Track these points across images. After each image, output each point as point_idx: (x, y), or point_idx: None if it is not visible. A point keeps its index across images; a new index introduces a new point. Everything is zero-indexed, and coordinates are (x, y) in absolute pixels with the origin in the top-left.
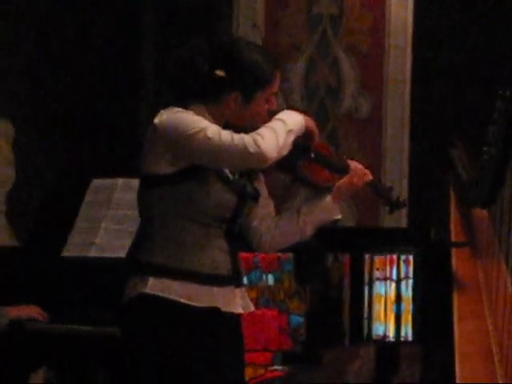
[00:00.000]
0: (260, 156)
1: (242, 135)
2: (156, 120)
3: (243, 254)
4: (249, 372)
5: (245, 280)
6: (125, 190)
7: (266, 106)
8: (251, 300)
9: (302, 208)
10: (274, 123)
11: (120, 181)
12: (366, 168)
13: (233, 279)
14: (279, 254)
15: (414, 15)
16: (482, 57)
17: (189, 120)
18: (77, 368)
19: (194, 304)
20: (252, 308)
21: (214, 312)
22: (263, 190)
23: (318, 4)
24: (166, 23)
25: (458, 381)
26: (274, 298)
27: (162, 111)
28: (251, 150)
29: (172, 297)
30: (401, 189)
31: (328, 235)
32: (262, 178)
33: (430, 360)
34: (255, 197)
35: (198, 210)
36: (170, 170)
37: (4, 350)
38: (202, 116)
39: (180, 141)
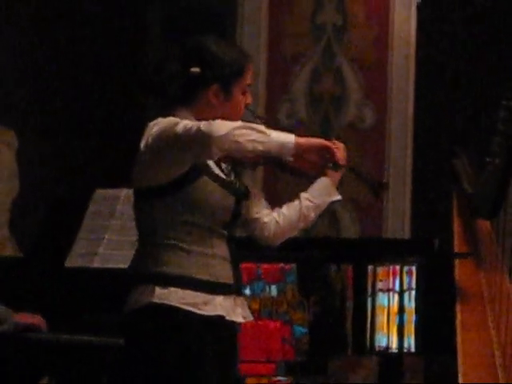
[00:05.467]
0: (207, 134)
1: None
2: (145, 133)
3: (246, 265)
4: (252, 382)
5: (248, 291)
6: (128, 201)
7: (244, 99)
8: (254, 311)
9: (303, 194)
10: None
11: (123, 191)
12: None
13: (234, 288)
14: (282, 265)
15: (418, 26)
16: (486, 68)
17: (165, 123)
18: (79, 378)
19: (199, 312)
20: (251, 318)
21: (218, 321)
22: (251, 185)
23: (322, 14)
24: (170, 33)
25: None
26: (277, 309)
27: (150, 124)
28: (202, 129)
29: (178, 305)
30: (404, 199)
31: (331, 246)
32: (249, 173)
33: (433, 371)
34: (247, 195)
35: (199, 215)
36: (164, 180)
37: (6, 359)
38: (187, 119)
39: (160, 145)
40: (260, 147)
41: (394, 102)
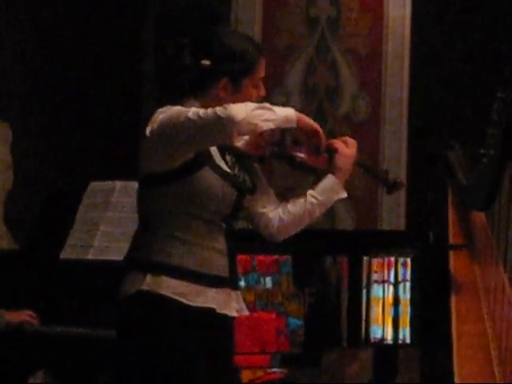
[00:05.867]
0: (227, 119)
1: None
2: (151, 120)
3: (241, 257)
4: (247, 374)
5: (242, 283)
6: (122, 193)
7: (256, 92)
8: (249, 303)
9: (309, 190)
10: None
11: (118, 183)
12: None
13: (229, 282)
14: (277, 257)
15: (412, 17)
16: (480, 59)
17: (174, 110)
18: (75, 371)
19: (189, 303)
20: (246, 312)
21: (209, 313)
22: (261, 179)
23: (316, 6)
24: (164, 24)
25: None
26: (272, 300)
27: (158, 110)
28: (220, 114)
29: (168, 294)
30: (399, 191)
31: (326, 238)
32: (257, 168)
33: (429, 363)
34: (252, 190)
35: (198, 206)
36: (168, 167)
37: (2, 353)
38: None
39: (167, 131)
40: (271, 125)
41: (388, 94)
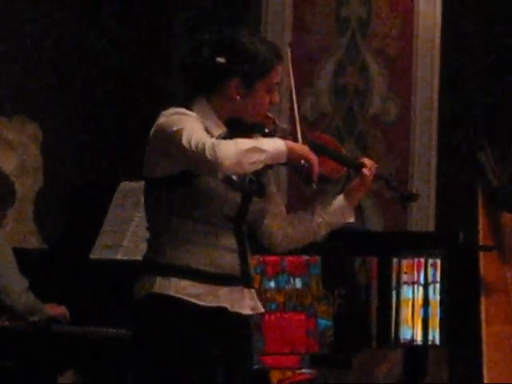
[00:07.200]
0: (214, 162)
1: (210, 140)
2: (155, 124)
3: (271, 258)
4: (276, 375)
5: (272, 284)
6: None
7: (268, 98)
8: (279, 304)
9: (317, 209)
10: (244, 139)
11: None
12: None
13: (242, 280)
14: (307, 258)
15: (443, 18)
16: (511, 60)
17: (173, 121)
18: (105, 370)
19: (200, 303)
20: (262, 310)
21: (221, 312)
22: (272, 187)
23: (347, 7)
24: (194, 28)
25: None
26: (302, 301)
27: (162, 113)
28: (208, 155)
29: (179, 295)
30: (429, 192)
31: (356, 239)
32: (270, 173)
33: (458, 364)
34: (260, 192)
35: (202, 210)
36: (169, 172)
37: (32, 352)
38: (205, 111)
39: (164, 144)
40: (260, 165)
41: (418, 95)
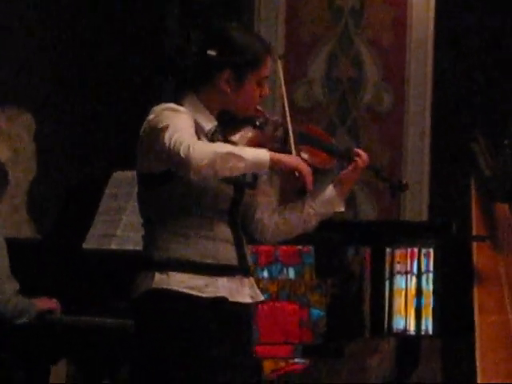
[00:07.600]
0: (187, 162)
1: (190, 140)
2: (146, 120)
3: (264, 247)
4: (270, 365)
5: (265, 273)
6: None
7: (258, 91)
8: (272, 293)
9: (307, 199)
10: (227, 144)
11: None
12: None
13: (240, 269)
14: (300, 247)
15: (436, 8)
16: (504, 51)
17: (162, 118)
18: (97, 360)
19: (200, 295)
20: (261, 298)
21: (221, 302)
22: (264, 179)
23: None
24: (187, 17)
25: (478, 375)
26: (295, 291)
27: (153, 108)
28: (182, 154)
29: (178, 289)
30: (422, 182)
31: (349, 229)
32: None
33: (451, 354)
34: (252, 184)
35: (195, 204)
36: (161, 167)
37: (26, 342)
38: (195, 106)
39: (152, 141)
40: (236, 172)
41: (412, 85)
